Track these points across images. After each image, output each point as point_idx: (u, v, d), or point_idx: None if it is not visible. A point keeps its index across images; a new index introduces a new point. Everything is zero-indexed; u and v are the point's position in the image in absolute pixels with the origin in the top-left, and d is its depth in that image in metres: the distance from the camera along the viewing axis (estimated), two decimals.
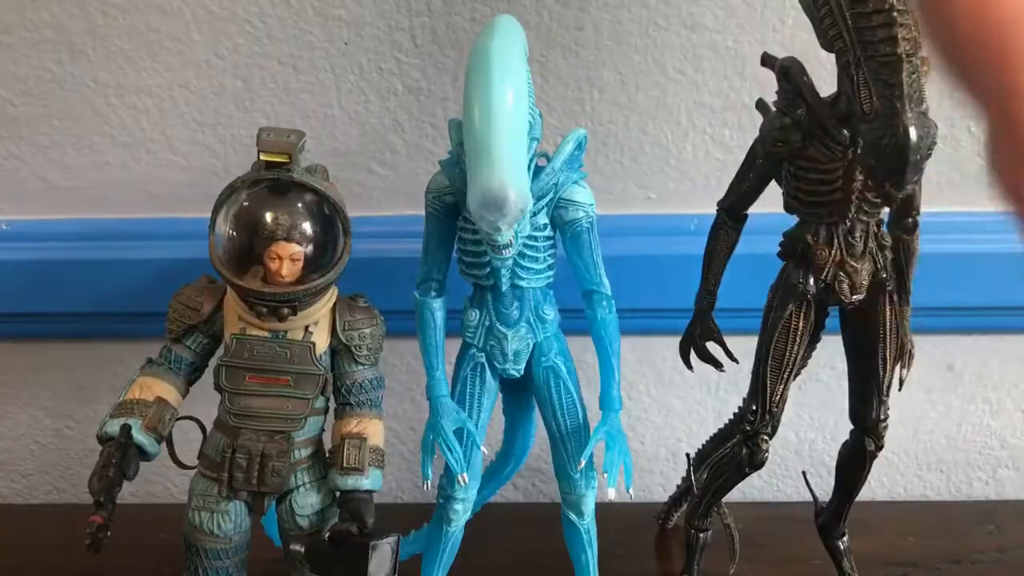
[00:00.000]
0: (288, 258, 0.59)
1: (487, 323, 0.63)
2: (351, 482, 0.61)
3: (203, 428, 0.63)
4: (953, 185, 0.81)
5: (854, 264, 0.59)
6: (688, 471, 0.72)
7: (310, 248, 0.60)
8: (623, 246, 0.78)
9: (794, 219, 0.61)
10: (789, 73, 0.56)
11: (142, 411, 0.59)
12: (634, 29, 0.77)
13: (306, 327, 0.61)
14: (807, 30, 0.55)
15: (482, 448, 0.64)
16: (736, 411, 0.70)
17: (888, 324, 0.61)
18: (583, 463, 0.63)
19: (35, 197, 0.83)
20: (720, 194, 0.63)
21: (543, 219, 0.61)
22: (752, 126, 0.78)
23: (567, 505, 0.65)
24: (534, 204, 0.59)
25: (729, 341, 0.65)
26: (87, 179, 0.82)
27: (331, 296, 0.63)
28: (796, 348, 0.61)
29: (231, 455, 0.60)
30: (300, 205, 0.60)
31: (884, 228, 0.61)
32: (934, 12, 0.30)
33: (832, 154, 0.56)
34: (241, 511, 0.62)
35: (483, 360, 0.63)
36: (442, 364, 0.63)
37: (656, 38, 0.77)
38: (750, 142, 0.61)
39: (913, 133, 0.48)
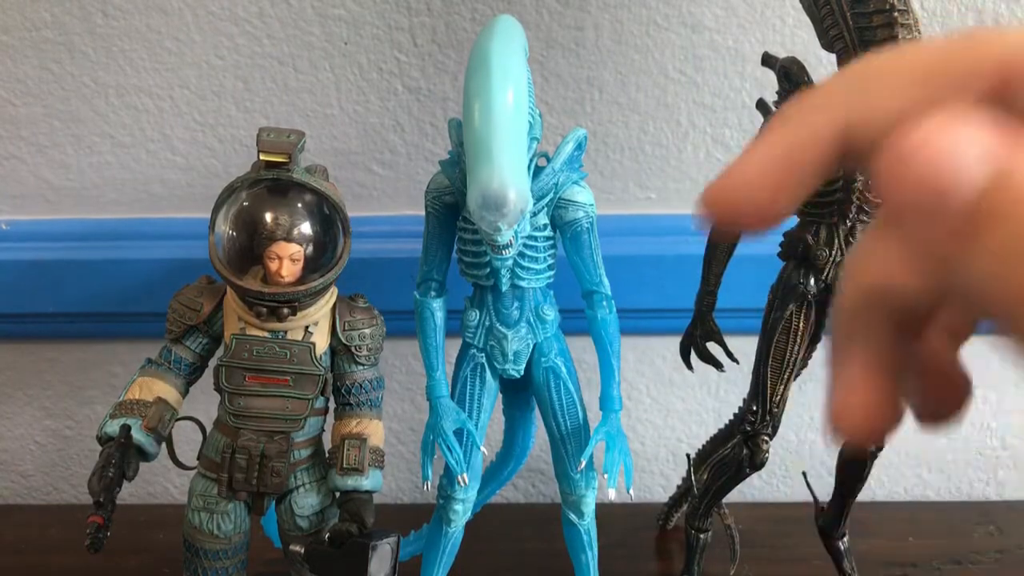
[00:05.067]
0: (288, 258, 0.59)
1: (487, 323, 0.63)
2: (351, 482, 0.61)
3: (203, 428, 0.63)
4: None
5: None
6: (688, 472, 0.72)
7: (310, 248, 0.60)
8: (623, 246, 0.78)
9: (794, 219, 0.61)
10: (790, 73, 0.56)
11: (142, 411, 0.59)
12: (634, 29, 0.77)
13: (306, 327, 0.61)
14: (807, 30, 0.55)
15: (482, 448, 0.64)
16: (736, 411, 0.70)
17: None
18: (583, 464, 0.63)
19: (35, 197, 0.83)
20: None
21: (543, 219, 0.61)
22: (752, 126, 0.78)
23: (567, 506, 0.65)
24: (534, 204, 0.59)
25: (729, 341, 0.65)
26: (87, 179, 0.82)
27: (331, 296, 0.63)
28: (796, 348, 0.61)
29: (231, 455, 0.60)
30: (300, 205, 0.60)
31: None
32: None
33: None
34: (241, 511, 0.62)
35: (483, 360, 0.63)
36: (442, 364, 0.63)
37: (656, 38, 0.77)
38: (750, 142, 0.61)
39: None
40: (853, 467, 0.66)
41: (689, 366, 0.67)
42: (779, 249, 0.62)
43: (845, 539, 0.70)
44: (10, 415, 0.90)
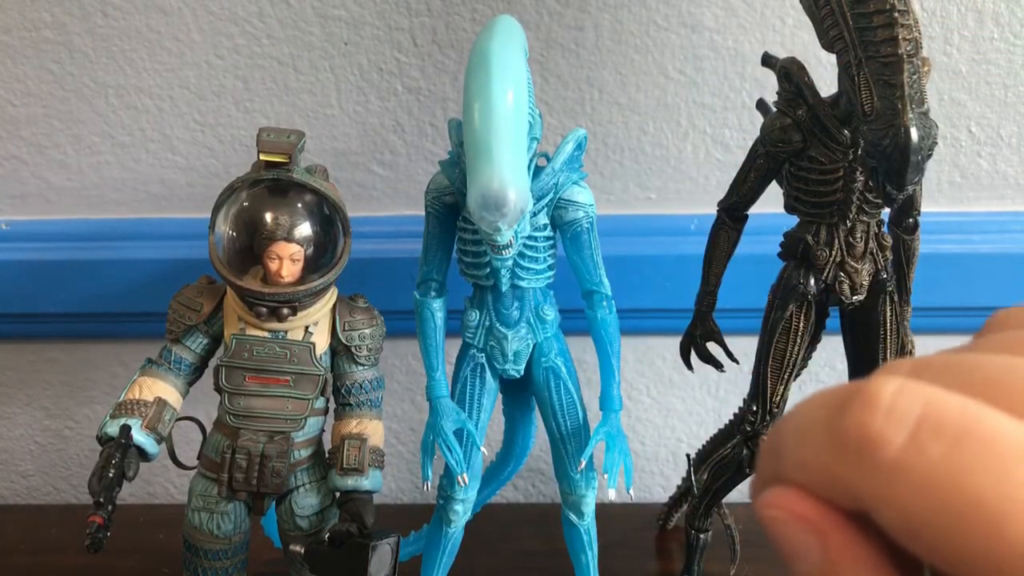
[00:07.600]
0: (288, 258, 0.59)
1: (487, 323, 0.63)
2: (351, 482, 0.61)
3: (203, 428, 0.63)
4: (953, 185, 0.81)
5: (854, 264, 0.59)
6: (688, 472, 0.72)
7: (310, 248, 0.60)
8: (623, 246, 0.78)
9: (794, 219, 0.61)
10: (790, 73, 0.56)
11: (142, 411, 0.59)
12: (634, 29, 0.77)
13: (306, 327, 0.61)
14: (807, 30, 0.55)
15: (482, 449, 0.64)
16: (736, 411, 0.70)
17: (888, 324, 0.61)
18: (583, 464, 0.63)
19: (35, 197, 0.83)
20: (720, 194, 0.63)
21: (543, 219, 0.61)
22: (752, 126, 0.78)
23: (567, 506, 0.65)
24: (534, 204, 0.59)
25: (729, 341, 0.65)
26: (87, 179, 0.82)
27: (331, 296, 0.63)
28: (796, 348, 0.61)
29: (231, 456, 0.60)
30: (300, 205, 0.60)
31: (884, 228, 0.61)
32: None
33: (833, 155, 0.56)
34: (241, 512, 0.62)
35: (483, 360, 0.63)
36: (442, 365, 0.63)
37: (656, 38, 0.77)
38: (750, 142, 0.61)
39: (914, 134, 0.48)
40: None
41: (689, 366, 0.67)
42: (779, 249, 0.62)
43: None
44: (10, 415, 0.90)
